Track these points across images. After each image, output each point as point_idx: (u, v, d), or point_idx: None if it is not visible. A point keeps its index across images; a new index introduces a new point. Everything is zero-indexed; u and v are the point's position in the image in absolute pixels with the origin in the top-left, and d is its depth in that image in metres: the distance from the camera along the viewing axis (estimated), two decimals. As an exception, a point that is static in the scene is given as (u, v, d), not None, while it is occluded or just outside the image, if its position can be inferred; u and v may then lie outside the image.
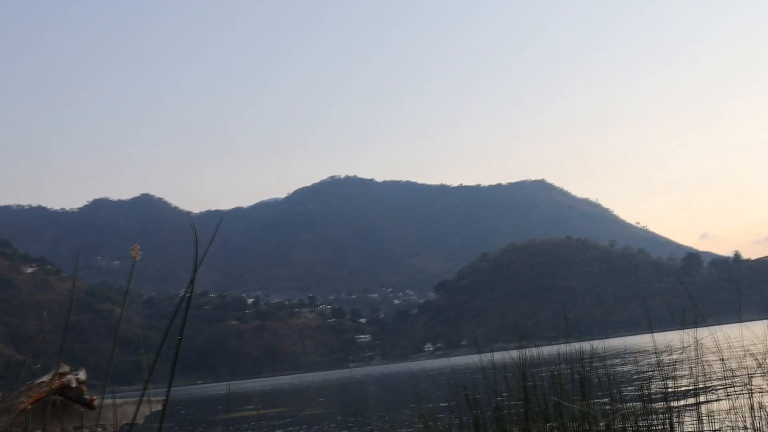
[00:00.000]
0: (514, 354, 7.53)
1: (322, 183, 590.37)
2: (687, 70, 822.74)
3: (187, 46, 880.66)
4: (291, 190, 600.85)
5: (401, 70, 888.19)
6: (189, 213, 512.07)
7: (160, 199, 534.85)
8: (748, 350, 6.83)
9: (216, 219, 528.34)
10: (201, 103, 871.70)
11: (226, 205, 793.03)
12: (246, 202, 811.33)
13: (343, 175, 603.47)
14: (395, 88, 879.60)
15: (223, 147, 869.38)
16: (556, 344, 8.10)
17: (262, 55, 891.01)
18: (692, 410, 6.88)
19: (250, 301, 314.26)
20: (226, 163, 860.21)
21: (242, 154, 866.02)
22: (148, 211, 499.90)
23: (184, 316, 2.47)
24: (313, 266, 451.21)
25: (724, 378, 6.77)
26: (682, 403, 7.10)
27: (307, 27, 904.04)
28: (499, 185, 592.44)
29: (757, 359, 6.54)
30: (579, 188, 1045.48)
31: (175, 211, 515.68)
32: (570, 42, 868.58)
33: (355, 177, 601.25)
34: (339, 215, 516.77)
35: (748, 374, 6.52)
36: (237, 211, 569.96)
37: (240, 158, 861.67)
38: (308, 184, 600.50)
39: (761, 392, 6.32)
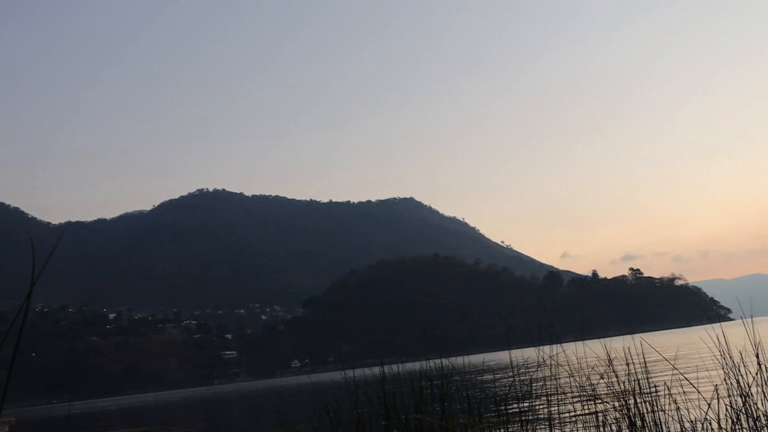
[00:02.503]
0: (377, 370, 7.63)
1: (190, 196, 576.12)
2: (545, 98, 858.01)
3: (48, 48, 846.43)
4: (157, 203, 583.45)
5: (271, 83, 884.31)
6: (48, 224, 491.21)
7: (16, 209, 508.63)
8: (596, 364, 7.19)
9: (78, 230, 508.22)
10: (63, 109, 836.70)
11: (88, 216, 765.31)
12: (109, 213, 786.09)
13: (211, 188, 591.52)
14: (265, 102, 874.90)
15: (85, 156, 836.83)
16: (421, 360, 8.25)
17: (128, 61, 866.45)
18: (545, 422, 7.16)
19: (111, 316, 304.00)
20: (88, 172, 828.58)
21: (106, 163, 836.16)
22: (2, 221, 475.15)
23: (19, 333, 2.30)
24: (179, 281, 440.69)
25: (574, 390, 7.11)
26: (536, 415, 7.40)
27: (176, 36, 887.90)
28: (368, 202, 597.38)
29: (604, 373, 6.89)
30: (447, 207, 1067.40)
31: (32, 221, 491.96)
32: (440, 63, 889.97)
33: (223, 190, 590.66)
34: (206, 229, 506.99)
35: (595, 386, 6.87)
36: (99, 223, 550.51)
37: (103, 168, 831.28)
38: (175, 196, 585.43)
39: (607, 402, 6.67)
